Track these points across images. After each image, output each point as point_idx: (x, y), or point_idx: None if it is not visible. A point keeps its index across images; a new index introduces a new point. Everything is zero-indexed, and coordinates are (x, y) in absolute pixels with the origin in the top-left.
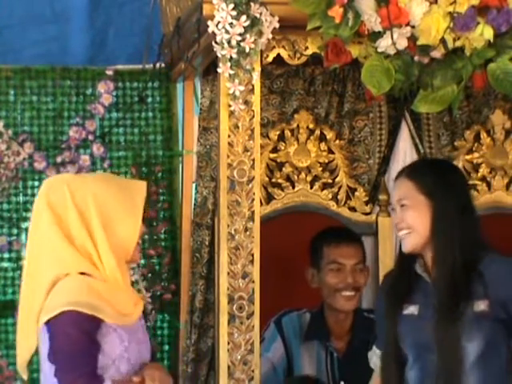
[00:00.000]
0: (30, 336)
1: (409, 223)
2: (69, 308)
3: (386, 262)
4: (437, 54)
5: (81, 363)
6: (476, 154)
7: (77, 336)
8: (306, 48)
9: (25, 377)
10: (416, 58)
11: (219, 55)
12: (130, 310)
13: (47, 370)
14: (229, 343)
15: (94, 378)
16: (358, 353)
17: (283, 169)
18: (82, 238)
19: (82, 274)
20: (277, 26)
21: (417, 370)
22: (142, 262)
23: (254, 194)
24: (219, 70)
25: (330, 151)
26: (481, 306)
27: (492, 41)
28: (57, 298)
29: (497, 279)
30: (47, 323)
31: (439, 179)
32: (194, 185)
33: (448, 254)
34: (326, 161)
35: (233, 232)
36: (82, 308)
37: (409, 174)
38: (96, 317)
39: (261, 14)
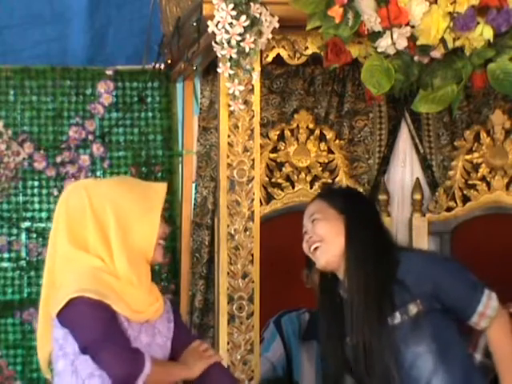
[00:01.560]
0: (49, 339)
1: (320, 234)
2: (76, 295)
3: None
4: (437, 53)
5: (115, 339)
6: (476, 154)
7: (94, 317)
8: (306, 48)
9: (48, 376)
10: (416, 58)
11: (219, 55)
12: (143, 308)
13: (60, 369)
14: (229, 343)
15: (134, 350)
16: None
17: (283, 169)
18: (96, 244)
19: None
20: (277, 25)
21: None
22: None
23: (253, 194)
24: (219, 70)
25: (330, 151)
26: (413, 309)
27: (492, 41)
28: (64, 288)
29: (417, 277)
30: (58, 316)
31: (349, 197)
32: (193, 185)
33: (360, 268)
34: (326, 161)
35: (233, 232)
36: (89, 294)
37: (320, 195)
38: (104, 302)
39: (260, 13)
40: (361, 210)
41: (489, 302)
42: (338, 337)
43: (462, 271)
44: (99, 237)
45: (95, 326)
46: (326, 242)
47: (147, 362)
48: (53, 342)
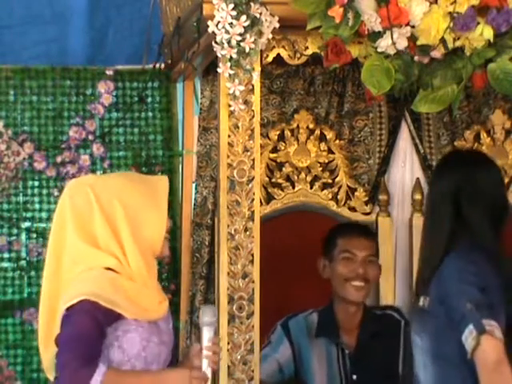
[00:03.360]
0: (54, 333)
1: None
2: (87, 297)
3: (386, 262)
4: (437, 53)
5: (79, 346)
6: None
7: (85, 323)
8: (306, 48)
9: (51, 377)
10: (416, 58)
11: (219, 55)
12: (154, 306)
13: None
14: (229, 343)
15: (89, 362)
16: (368, 346)
17: (283, 169)
18: (106, 240)
19: (108, 269)
20: (277, 25)
21: None
22: None
23: (253, 193)
24: (219, 70)
25: (330, 151)
26: (422, 301)
27: (492, 41)
28: (77, 287)
29: (442, 279)
30: (67, 310)
31: None
32: (193, 185)
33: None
34: (326, 161)
35: (233, 232)
36: (101, 300)
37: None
38: (113, 311)
39: (261, 13)
40: None
41: (468, 337)
42: None
43: (467, 288)
44: (109, 232)
45: (76, 330)
46: None
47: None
48: None
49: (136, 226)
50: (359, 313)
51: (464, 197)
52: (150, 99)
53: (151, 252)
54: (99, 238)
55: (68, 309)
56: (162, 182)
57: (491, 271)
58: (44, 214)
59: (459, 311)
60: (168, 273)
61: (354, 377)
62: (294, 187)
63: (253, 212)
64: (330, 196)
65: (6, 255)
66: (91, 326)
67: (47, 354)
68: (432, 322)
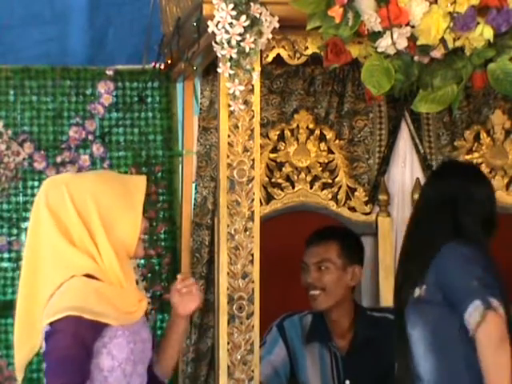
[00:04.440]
0: (32, 337)
1: None
2: (72, 313)
3: (386, 262)
4: (437, 53)
5: (68, 371)
6: (476, 154)
7: (72, 344)
8: (306, 48)
9: (19, 378)
10: (416, 58)
11: (219, 55)
12: (135, 307)
13: None
14: (229, 343)
15: None
16: (361, 351)
17: (283, 169)
18: (81, 238)
19: (86, 275)
20: (277, 25)
21: None
22: (142, 261)
23: (253, 193)
24: (219, 70)
25: (330, 151)
26: (417, 291)
27: (492, 41)
28: (62, 301)
29: (441, 264)
30: (50, 325)
31: None
32: (193, 185)
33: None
34: (326, 161)
35: (233, 232)
36: (85, 314)
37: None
38: (100, 322)
39: (261, 13)
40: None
41: (473, 313)
42: None
43: (473, 268)
44: (84, 230)
45: (64, 351)
46: None
47: None
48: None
49: (110, 226)
50: (348, 317)
51: (461, 202)
52: (149, 99)
53: (125, 252)
54: (74, 235)
55: (51, 323)
56: (139, 181)
57: (489, 260)
58: None
59: (463, 290)
60: (168, 273)
61: (347, 382)
62: (293, 187)
63: (253, 212)
64: (330, 196)
65: (5, 255)
66: (78, 348)
67: (21, 354)
68: (429, 310)
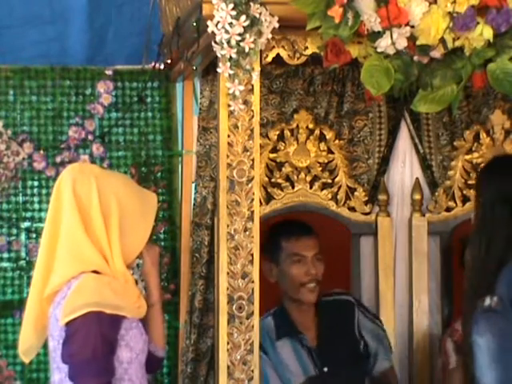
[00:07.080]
0: (40, 319)
1: None
2: (92, 309)
3: (386, 262)
4: (436, 53)
5: (98, 372)
6: (476, 154)
7: (97, 343)
8: (306, 48)
9: (27, 360)
10: (415, 58)
11: (219, 55)
12: (142, 302)
13: (57, 382)
14: (228, 343)
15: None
16: (329, 338)
17: (283, 169)
18: (99, 234)
19: (94, 271)
20: (276, 25)
21: None
22: (142, 262)
23: (253, 193)
24: (219, 70)
25: (330, 151)
26: (488, 301)
27: (492, 41)
28: (78, 298)
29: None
30: (68, 323)
31: None
32: (193, 185)
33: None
34: (326, 161)
35: (232, 232)
36: (105, 308)
37: None
38: (118, 315)
39: (260, 13)
40: None
41: None
42: None
43: None
44: (102, 229)
45: (91, 351)
46: None
47: None
48: (60, 345)
49: (124, 230)
50: (312, 308)
51: None
52: (149, 99)
53: (128, 258)
54: (93, 230)
55: (71, 322)
56: (153, 198)
57: None
58: (44, 214)
59: None
60: (167, 273)
61: (325, 369)
62: (293, 187)
63: (252, 212)
64: (330, 196)
65: (5, 255)
66: (103, 346)
67: (33, 338)
68: (501, 321)
